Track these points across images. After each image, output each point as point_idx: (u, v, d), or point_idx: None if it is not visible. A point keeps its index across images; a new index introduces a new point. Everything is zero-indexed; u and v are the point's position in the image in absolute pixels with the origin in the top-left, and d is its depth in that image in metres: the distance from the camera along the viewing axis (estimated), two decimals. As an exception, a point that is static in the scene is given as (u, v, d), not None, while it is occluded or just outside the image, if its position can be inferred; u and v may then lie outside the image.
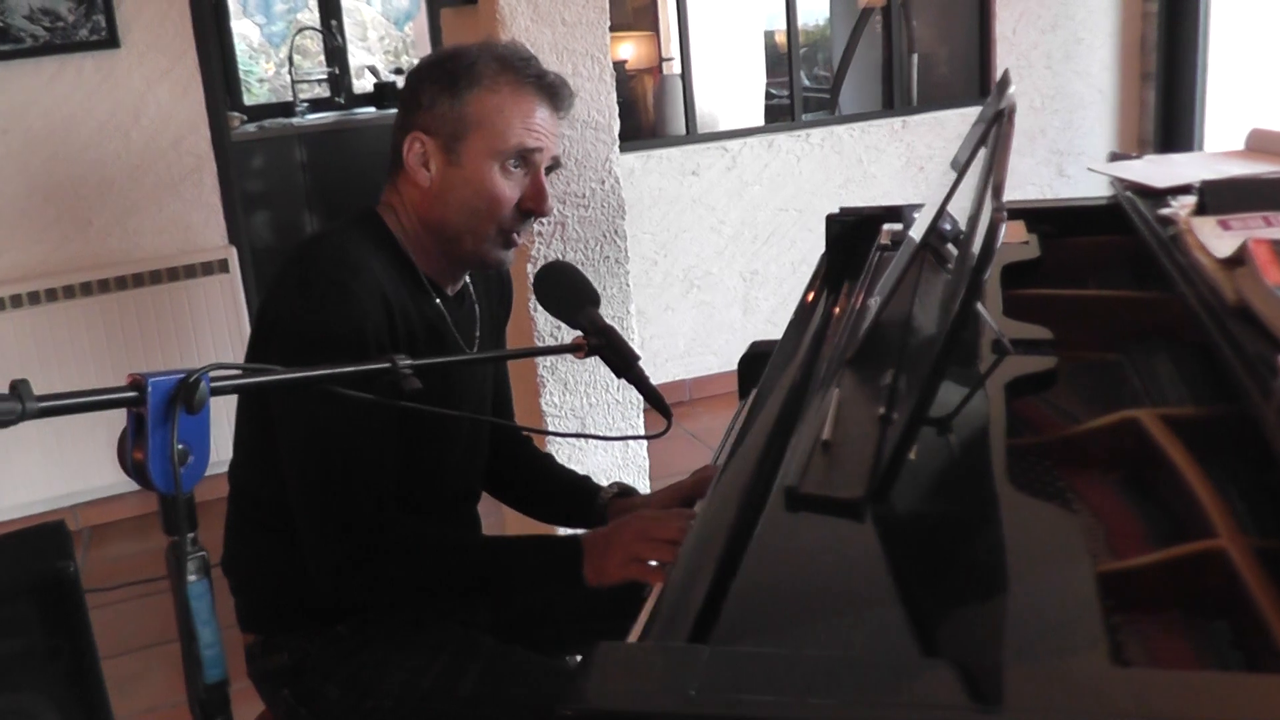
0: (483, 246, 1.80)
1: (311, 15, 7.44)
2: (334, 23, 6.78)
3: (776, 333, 5.48)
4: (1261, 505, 1.20)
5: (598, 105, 2.97)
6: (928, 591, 1.01)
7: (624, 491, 2.09)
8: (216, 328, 4.21)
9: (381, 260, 1.75)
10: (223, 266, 4.18)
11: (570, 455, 3.09)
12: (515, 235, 1.82)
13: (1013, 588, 1.04)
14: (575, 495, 2.10)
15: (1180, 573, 1.14)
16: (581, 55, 2.92)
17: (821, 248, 5.25)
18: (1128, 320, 1.82)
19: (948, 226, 2.29)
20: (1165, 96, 5.59)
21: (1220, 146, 4.39)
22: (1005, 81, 1.48)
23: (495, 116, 1.74)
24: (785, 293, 5.34)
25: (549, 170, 1.82)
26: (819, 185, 5.30)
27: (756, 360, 2.51)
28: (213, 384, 1.18)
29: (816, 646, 0.94)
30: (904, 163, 5.44)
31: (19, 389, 1.06)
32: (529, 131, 1.76)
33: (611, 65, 2.98)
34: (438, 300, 1.83)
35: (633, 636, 1.48)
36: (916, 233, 1.62)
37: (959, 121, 5.50)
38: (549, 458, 2.21)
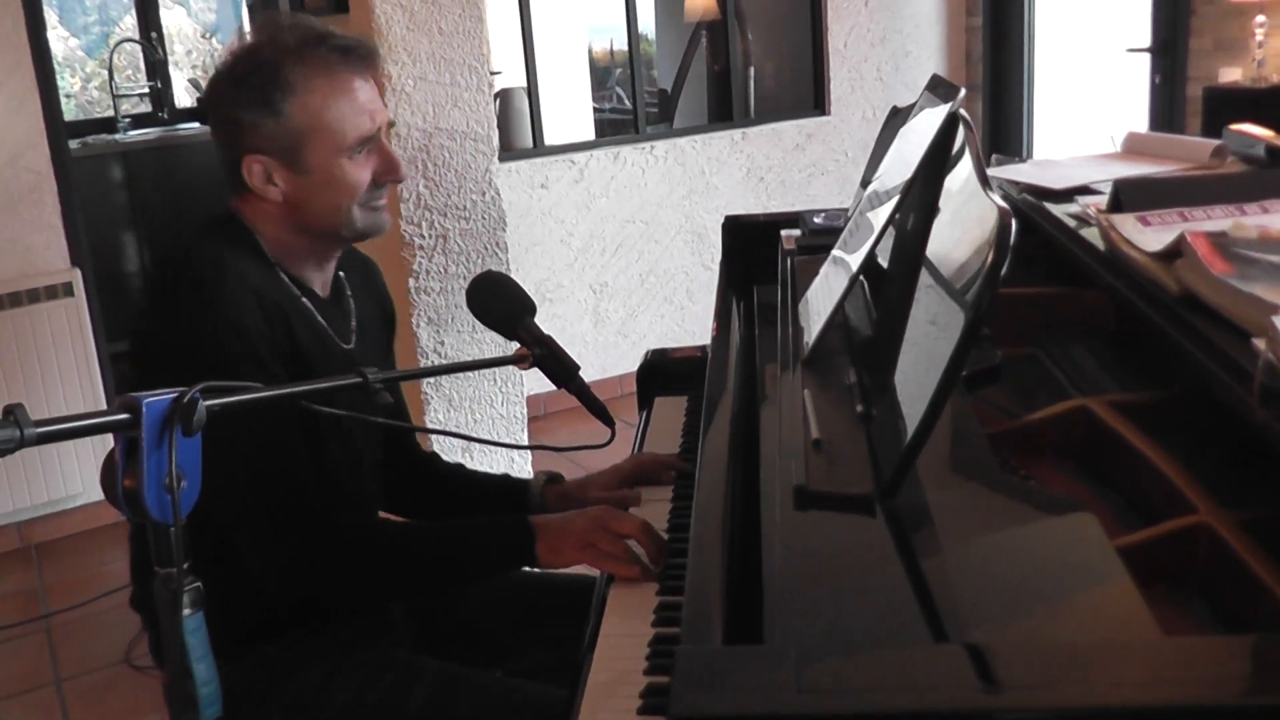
0: (355, 227, 1.79)
1: (123, 30, 7.17)
2: (154, 35, 6.54)
3: (628, 345, 5.54)
4: (1227, 480, 1.26)
5: (476, 116, 2.95)
6: (961, 579, 1.04)
7: (553, 479, 2.08)
8: (63, 355, 3.98)
9: (245, 261, 1.73)
10: (67, 290, 3.96)
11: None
12: (377, 202, 1.80)
13: (1044, 569, 1.08)
14: (505, 494, 2.07)
15: (1166, 549, 1.19)
16: (459, 65, 2.90)
17: (668, 259, 5.35)
18: (1037, 315, 1.90)
19: (819, 221, 2.36)
20: (993, 107, 5.85)
21: (1048, 154, 4.62)
22: (952, 88, 1.53)
23: (324, 116, 1.71)
24: (634, 304, 5.38)
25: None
26: (664, 197, 5.36)
27: (655, 369, 2.52)
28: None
29: (886, 640, 0.95)
30: (745, 173, 5.54)
31: (16, 414, 0.99)
32: (361, 116, 1.74)
33: (490, 75, 2.96)
34: (304, 299, 1.80)
35: (615, 636, 1.48)
36: (858, 244, 1.66)
37: (795, 133, 5.64)
38: (460, 466, 2.18)
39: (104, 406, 3.99)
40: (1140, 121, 5.13)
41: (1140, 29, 5.23)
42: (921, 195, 1.50)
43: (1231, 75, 4.79)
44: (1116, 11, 5.61)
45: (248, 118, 1.70)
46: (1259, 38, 4.57)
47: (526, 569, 1.86)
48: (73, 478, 4.08)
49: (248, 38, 1.79)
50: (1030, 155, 5.53)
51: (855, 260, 1.60)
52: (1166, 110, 5.01)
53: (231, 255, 1.71)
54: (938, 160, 1.47)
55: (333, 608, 1.77)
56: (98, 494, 4.26)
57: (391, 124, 1.83)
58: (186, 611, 1.13)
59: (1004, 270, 1.06)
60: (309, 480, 1.67)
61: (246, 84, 1.70)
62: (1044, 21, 5.78)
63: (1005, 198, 1.15)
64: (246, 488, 1.64)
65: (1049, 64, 5.82)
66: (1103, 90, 5.74)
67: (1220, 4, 4.78)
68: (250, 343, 1.62)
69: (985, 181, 1.22)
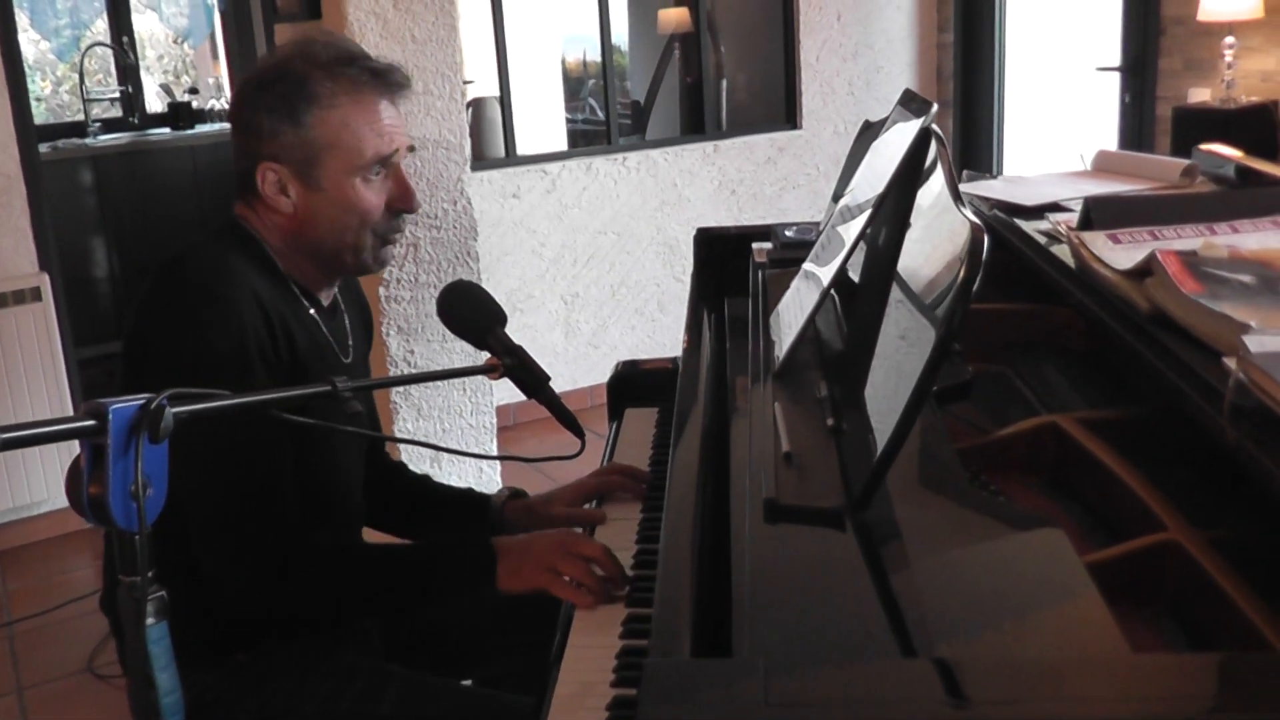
0: (363, 256, 1.78)
1: (95, 34, 7.13)
2: (126, 39, 6.50)
3: (598, 356, 5.53)
4: (1196, 498, 1.27)
5: (449, 124, 2.94)
6: (930, 593, 1.04)
7: (516, 494, 2.06)
8: (29, 361, 3.95)
9: (251, 269, 1.71)
10: (35, 295, 3.92)
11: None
12: (392, 235, 1.80)
13: (1014, 584, 1.08)
14: (467, 507, 2.06)
15: (1135, 566, 1.20)
16: (432, 73, 2.89)
17: (639, 270, 5.35)
18: (1007, 332, 1.91)
19: (791, 234, 2.37)
20: (963, 124, 5.88)
21: (1018, 171, 4.66)
22: (924, 103, 1.53)
23: (344, 133, 1.70)
24: (605, 315, 5.37)
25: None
26: (636, 208, 5.36)
27: (626, 381, 2.52)
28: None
29: (855, 654, 0.95)
30: (716, 186, 5.55)
31: (-21, 421, 0.98)
32: (380, 138, 1.73)
33: (463, 83, 2.95)
34: (312, 310, 1.79)
35: (581, 645, 1.47)
36: (830, 258, 1.66)
37: (767, 146, 5.65)
38: (427, 477, 2.16)
39: (71, 412, 3.96)
40: (1110, 140, 5.17)
41: (1110, 48, 5.27)
42: (893, 210, 1.50)
43: (1200, 95, 4.83)
44: (1087, 30, 5.66)
45: (269, 124, 1.70)
46: (1228, 59, 4.61)
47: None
48: (38, 484, 4.05)
49: (277, 49, 1.78)
50: (1000, 172, 5.57)
51: (827, 274, 1.60)
52: (1136, 129, 5.05)
53: (238, 262, 1.69)
54: (910, 175, 1.47)
55: (289, 626, 1.76)
56: (64, 500, 4.18)
57: (412, 149, 1.81)
58: (150, 620, 1.12)
59: (976, 286, 1.06)
60: (285, 496, 1.66)
61: (272, 90, 1.70)
62: (1015, 39, 5.82)
63: (977, 213, 1.16)
64: (217, 501, 1.63)
65: (1019, 81, 5.86)
66: (1073, 108, 5.78)
67: (1190, 25, 4.82)
68: (249, 357, 1.61)
69: (957, 197, 1.22)
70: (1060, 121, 5.86)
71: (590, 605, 1.60)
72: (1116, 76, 5.23)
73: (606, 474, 2.02)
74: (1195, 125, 4.51)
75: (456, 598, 1.77)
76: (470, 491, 2.11)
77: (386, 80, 1.75)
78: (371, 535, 2.03)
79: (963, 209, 1.17)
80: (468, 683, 2.04)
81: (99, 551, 3.57)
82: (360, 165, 1.72)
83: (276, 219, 1.75)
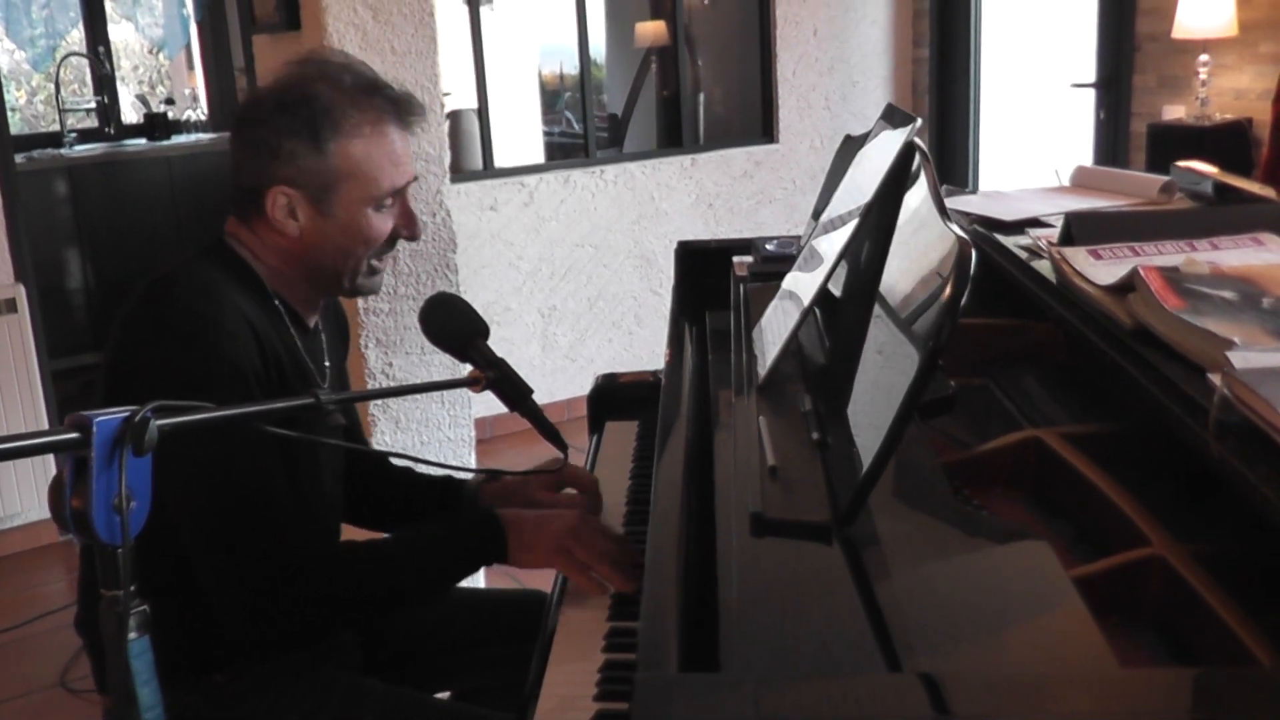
0: (358, 280, 1.79)
1: (70, 44, 7.09)
2: (102, 49, 6.47)
3: (575, 369, 5.52)
4: (1180, 513, 1.27)
5: (429, 137, 2.94)
6: (917, 607, 1.04)
7: (492, 477, 2.05)
8: (4, 373, 3.91)
9: (239, 291, 1.69)
10: (10, 307, 3.90)
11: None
12: (384, 260, 1.80)
13: (1002, 598, 1.08)
14: (443, 490, 2.05)
15: (1119, 581, 1.20)
16: (411, 85, 2.88)
17: (617, 283, 5.35)
18: (988, 346, 1.91)
19: (771, 248, 2.37)
20: (939, 139, 5.92)
21: (993, 186, 4.68)
22: (907, 117, 1.54)
23: (364, 164, 1.70)
24: (583, 328, 5.37)
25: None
26: (613, 221, 5.37)
27: (606, 394, 2.51)
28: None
29: (842, 668, 0.95)
30: (694, 199, 5.56)
31: (-38, 433, 0.97)
32: (397, 169, 1.73)
33: (442, 95, 2.95)
34: (293, 330, 1.78)
35: (564, 662, 1.47)
36: (814, 272, 1.66)
37: (745, 159, 5.67)
38: (410, 470, 2.14)
39: (46, 424, 3.94)
40: (1085, 156, 5.21)
41: (1085, 64, 5.31)
42: (877, 224, 1.51)
43: (1175, 112, 4.87)
44: (1062, 46, 5.70)
45: (288, 147, 1.67)
46: (1202, 76, 4.65)
47: (468, 586, 1.85)
48: (11, 497, 4.02)
49: (294, 68, 1.75)
50: (976, 187, 5.60)
51: (810, 287, 1.61)
52: (1111, 146, 5.09)
53: (227, 284, 1.68)
54: (893, 190, 1.48)
55: (308, 639, 1.73)
56: (38, 513, 4.21)
57: (415, 178, 1.81)
58: (132, 635, 1.10)
59: (963, 301, 1.06)
60: (284, 509, 1.64)
61: (295, 114, 1.68)
62: (990, 55, 5.86)
63: (961, 228, 1.16)
64: (217, 523, 1.61)
65: (995, 97, 5.90)
66: (1048, 124, 5.82)
67: (1164, 42, 4.86)
68: (247, 380, 1.60)
69: (943, 211, 1.23)
70: (1036, 137, 5.90)
71: (600, 593, 1.61)
72: (1091, 93, 5.27)
73: (571, 472, 2.00)
74: (1170, 142, 4.55)
75: (469, 574, 1.76)
76: (448, 478, 2.10)
77: (405, 110, 1.75)
78: (349, 531, 2.02)
79: (948, 224, 1.17)
80: (445, 695, 2.03)
81: (73, 565, 3.55)
82: (375, 196, 1.71)
83: (277, 240, 1.73)
